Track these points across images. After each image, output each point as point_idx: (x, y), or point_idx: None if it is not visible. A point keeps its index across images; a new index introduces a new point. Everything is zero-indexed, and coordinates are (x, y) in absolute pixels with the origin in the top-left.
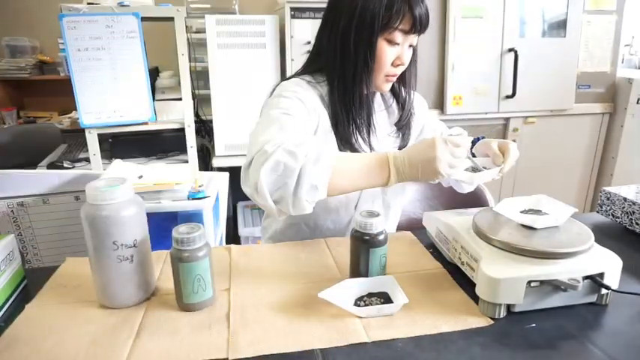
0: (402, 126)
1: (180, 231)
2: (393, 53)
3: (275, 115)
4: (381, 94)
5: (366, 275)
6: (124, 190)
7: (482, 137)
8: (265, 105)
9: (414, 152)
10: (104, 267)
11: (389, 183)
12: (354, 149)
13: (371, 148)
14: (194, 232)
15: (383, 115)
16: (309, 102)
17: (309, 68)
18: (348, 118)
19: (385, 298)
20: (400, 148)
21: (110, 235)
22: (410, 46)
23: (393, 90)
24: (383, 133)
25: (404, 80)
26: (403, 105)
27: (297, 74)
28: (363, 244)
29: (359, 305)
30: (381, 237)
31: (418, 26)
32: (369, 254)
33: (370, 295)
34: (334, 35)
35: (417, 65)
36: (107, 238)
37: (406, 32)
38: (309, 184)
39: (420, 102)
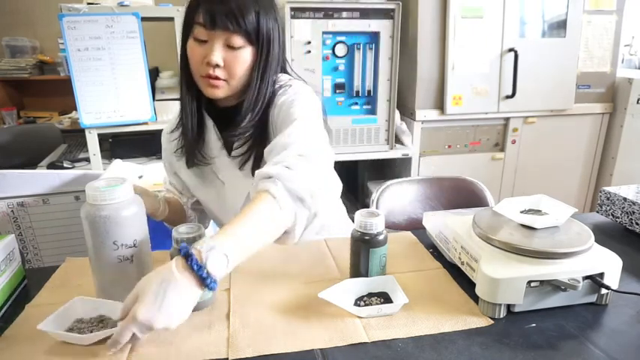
0: (241, 141)
1: (180, 231)
2: (200, 51)
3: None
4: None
5: (366, 275)
6: (124, 190)
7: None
8: None
9: None
10: (104, 267)
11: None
12: (197, 167)
13: (213, 164)
14: (194, 232)
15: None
16: (164, 151)
17: None
18: (185, 136)
19: (385, 298)
20: (244, 163)
21: (110, 235)
22: (232, 46)
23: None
24: (235, 148)
25: (249, 88)
26: (247, 117)
27: None
28: (363, 244)
29: (359, 305)
30: (381, 237)
31: (217, 22)
32: (369, 254)
33: (370, 295)
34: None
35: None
36: (107, 238)
37: (207, 28)
38: None
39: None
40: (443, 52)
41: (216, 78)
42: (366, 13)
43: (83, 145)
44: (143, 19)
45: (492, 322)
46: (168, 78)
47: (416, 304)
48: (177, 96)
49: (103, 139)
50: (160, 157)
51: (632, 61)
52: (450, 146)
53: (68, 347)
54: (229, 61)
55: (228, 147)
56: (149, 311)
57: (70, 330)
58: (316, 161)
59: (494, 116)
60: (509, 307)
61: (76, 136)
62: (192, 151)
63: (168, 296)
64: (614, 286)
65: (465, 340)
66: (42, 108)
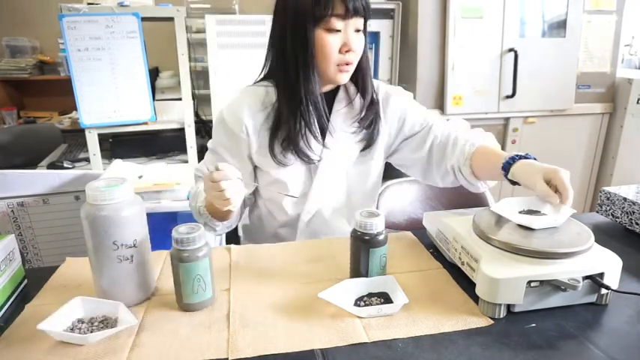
0: (366, 122)
1: (180, 231)
2: (336, 41)
3: (210, 146)
4: (346, 91)
5: (366, 275)
6: (124, 190)
7: (518, 157)
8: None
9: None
10: (104, 267)
11: None
12: (298, 149)
13: (324, 147)
14: (194, 232)
15: (343, 112)
16: (236, 128)
17: (265, 75)
18: (295, 118)
19: (385, 298)
20: (365, 148)
21: (110, 235)
22: (357, 30)
23: (356, 83)
24: (340, 131)
25: (360, 69)
26: (364, 96)
27: (255, 81)
28: (363, 244)
29: (359, 305)
30: (381, 237)
31: (352, 9)
32: (369, 254)
33: (370, 295)
34: (273, 39)
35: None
36: (107, 238)
37: (343, 17)
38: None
39: (397, 93)
40: (443, 52)
41: (350, 63)
42: None
43: (83, 145)
44: (143, 19)
45: (492, 322)
46: (168, 78)
47: (416, 304)
48: (177, 96)
49: (103, 139)
50: (160, 157)
51: (632, 61)
52: None
53: (68, 347)
54: (358, 45)
55: (323, 130)
56: None
57: (70, 330)
58: None
59: (495, 116)
60: (509, 307)
61: (76, 136)
62: (301, 140)
63: None
64: (614, 286)
65: (465, 340)
66: (42, 108)
